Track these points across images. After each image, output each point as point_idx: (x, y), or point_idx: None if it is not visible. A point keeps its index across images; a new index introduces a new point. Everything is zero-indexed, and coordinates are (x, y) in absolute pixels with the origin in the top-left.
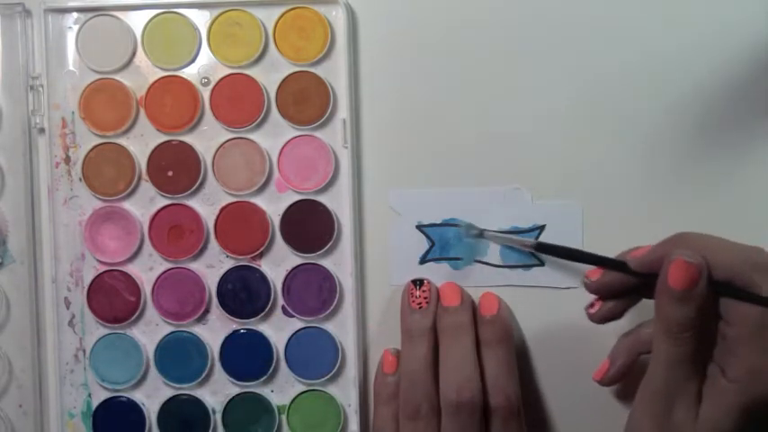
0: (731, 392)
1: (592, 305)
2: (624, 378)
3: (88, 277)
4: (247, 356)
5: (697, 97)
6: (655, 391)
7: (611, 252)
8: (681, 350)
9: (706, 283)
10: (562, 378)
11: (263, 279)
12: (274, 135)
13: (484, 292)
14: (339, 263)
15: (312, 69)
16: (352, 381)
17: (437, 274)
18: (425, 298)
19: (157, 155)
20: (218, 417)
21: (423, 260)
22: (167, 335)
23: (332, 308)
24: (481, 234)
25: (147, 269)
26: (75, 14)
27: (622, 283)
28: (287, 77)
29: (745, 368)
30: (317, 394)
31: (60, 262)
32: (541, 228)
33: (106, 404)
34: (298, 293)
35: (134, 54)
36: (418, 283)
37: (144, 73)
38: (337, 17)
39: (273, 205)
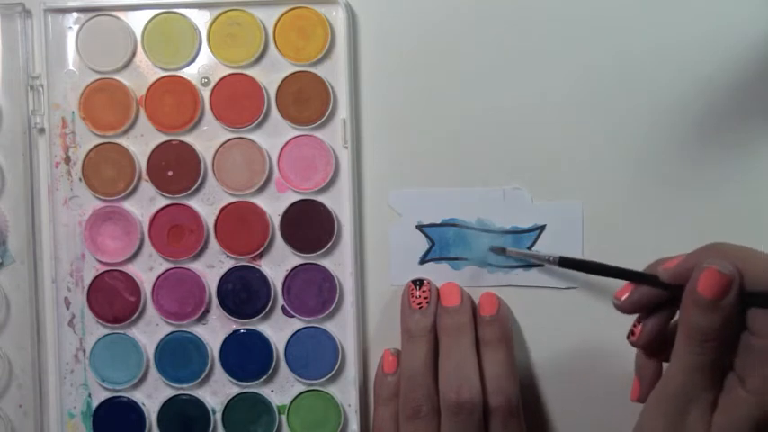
0: (748, 404)
1: (632, 332)
2: None
3: (88, 277)
4: (247, 356)
5: (697, 97)
6: (671, 395)
7: (611, 250)
8: (702, 358)
9: (737, 293)
10: (562, 378)
11: (263, 279)
12: (274, 135)
13: (484, 292)
14: (339, 263)
15: (312, 69)
16: (352, 381)
17: (437, 274)
18: (425, 298)
19: (157, 155)
20: (218, 417)
21: (423, 260)
22: (167, 335)
23: (332, 308)
24: (503, 252)
25: (147, 269)
26: (75, 14)
27: (654, 297)
28: (287, 77)
29: (765, 380)
30: (317, 394)
31: (60, 262)
32: (541, 228)
33: (106, 404)
34: (298, 293)
35: (134, 54)
36: (418, 283)
37: (144, 73)
38: (337, 17)
39: (273, 205)
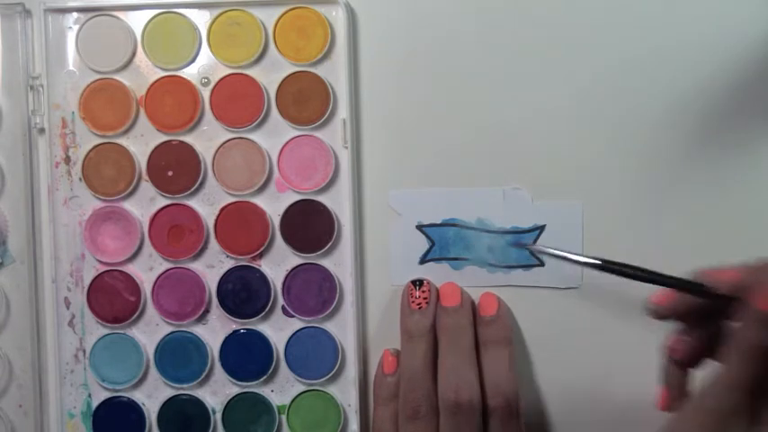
0: None
1: (673, 348)
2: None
3: (88, 277)
4: (247, 356)
5: (698, 97)
6: (714, 410)
7: (611, 251)
8: (755, 375)
9: None
10: (562, 378)
11: (263, 279)
12: (274, 135)
13: (483, 292)
14: (339, 263)
15: (312, 69)
16: (352, 381)
17: (437, 274)
18: (425, 299)
19: (157, 155)
20: (218, 417)
21: (423, 260)
22: (167, 335)
23: (332, 308)
24: (523, 246)
25: (147, 269)
26: (75, 14)
27: (695, 307)
28: (287, 77)
29: None
30: (317, 394)
31: (60, 262)
32: (541, 228)
33: (106, 404)
34: (298, 293)
35: (134, 54)
36: (418, 283)
37: (144, 73)
38: (337, 17)
39: (273, 205)
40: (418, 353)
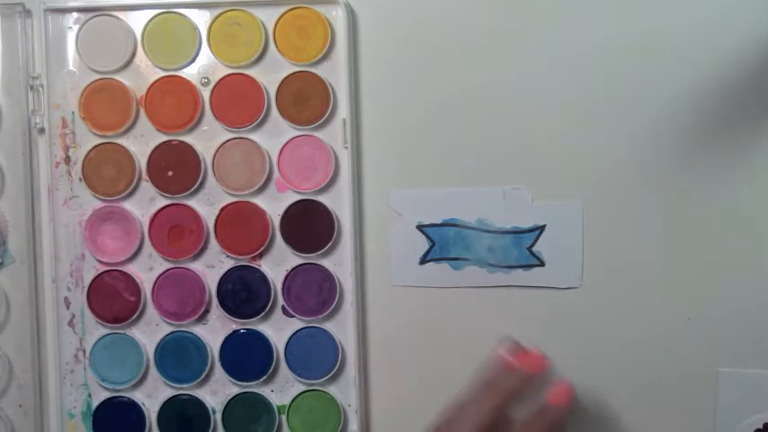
0: None
1: None
2: None
3: (88, 277)
4: (247, 356)
5: (698, 97)
6: None
7: (611, 250)
8: None
9: None
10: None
11: (263, 279)
12: (274, 135)
13: (561, 382)
14: (339, 263)
15: (312, 69)
16: (352, 381)
17: (437, 274)
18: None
19: (157, 155)
20: (218, 417)
21: (423, 260)
22: (167, 335)
23: (332, 308)
24: None
25: (147, 269)
26: (75, 14)
27: None
28: (287, 77)
29: None
30: (316, 394)
31: (60, 262)
32: (541, 228)
33: (106, 404)
34: (298, 293)
35: (134, 54)
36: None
37: (144, 73)
38: (337, 17)
39: (273, 205)
40: (484, 405)
